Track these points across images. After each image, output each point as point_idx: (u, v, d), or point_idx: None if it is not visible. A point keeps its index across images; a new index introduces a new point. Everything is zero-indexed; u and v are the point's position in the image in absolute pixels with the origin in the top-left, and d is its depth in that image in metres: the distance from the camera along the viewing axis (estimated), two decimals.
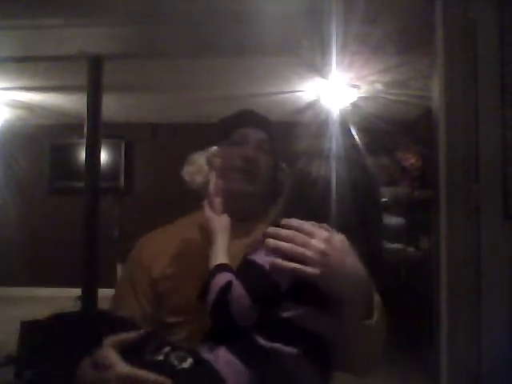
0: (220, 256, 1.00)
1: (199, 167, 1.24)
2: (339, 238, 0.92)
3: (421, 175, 4.22)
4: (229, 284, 0.90)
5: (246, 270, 0.92)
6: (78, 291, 3.13)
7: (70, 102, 4.86)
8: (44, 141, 5.97)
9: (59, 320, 1.48)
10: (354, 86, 4.35)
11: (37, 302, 4.75)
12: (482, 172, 1.81)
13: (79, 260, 3.12)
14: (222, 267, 0.96)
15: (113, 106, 4.47)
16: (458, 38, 1.88)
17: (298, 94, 4.64)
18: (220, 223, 1.08)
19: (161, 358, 0.92)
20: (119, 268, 5.81)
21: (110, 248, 5.22)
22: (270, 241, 0.90)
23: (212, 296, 0.91)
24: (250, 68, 3.91)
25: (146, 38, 3.06)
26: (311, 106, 4.79)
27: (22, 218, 5.68)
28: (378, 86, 4.32)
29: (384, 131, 4.44)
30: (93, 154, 3.22)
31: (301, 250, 0.88)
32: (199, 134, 6.32)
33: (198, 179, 1.22)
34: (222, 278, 0.92)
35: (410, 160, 4.28)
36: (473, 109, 1.83)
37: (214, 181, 1.15)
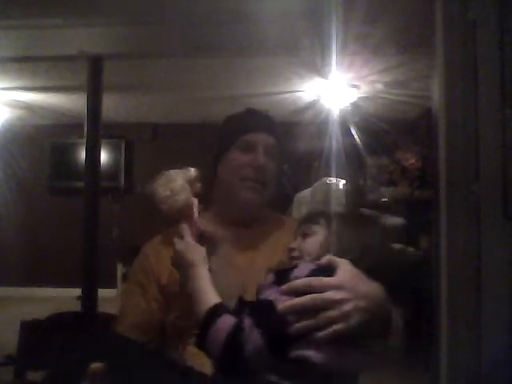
0: (209, 294, 0.94)
1: (181, 186, 1.15)
2: (346, 269, 0.89)
3: (421, 175, 4.22)
4: (237, 328, 0.84)
5: (260, 310, 0.86)
6: (78, 291, 3.13)
7: (70, 102, 4.86)
8: (44, 141, 5.97)
9: (59, 320, 1.48)
10: (354, 86, 4.35)
11: (37, 302, 4.75)
12: (482, 172, 1.81)
13: (79, 260, 3.12)
14: (219, 309, 0.90)
15: (113, 106, 4.47)
16: (458, 38, 1.87)
17: (298, 94, 4.64)
18: (198, 254, 1.03)
19: None
20: (119, 268, 5.81)
21: (110, 248, 5.22)
22: (298, 326, 0.84)
23: (218, 343, 0.84)
24: (250, 68, 3.91)
25: (146, 38, 3.05)
26: (311, 105, 4.79)
27: (21, 217, 5.68)
28: (378, 86, 4.32)
29: (384, 131, 4.44)
30: (93, 154, 3.22)
31: (326, 316, 0.84)
32: (199, 134, 6.34)
33: (180, 198, 1.13)
34: (226, 323, 0.86)
35: (410, 160, 4.28)
36: (473, 109, 1.83)
37: (197, 206, 1.11)
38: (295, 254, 1.01)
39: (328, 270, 0.89)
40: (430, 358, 2.06)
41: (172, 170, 1.18)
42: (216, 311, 0.89)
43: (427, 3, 2.05)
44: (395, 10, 2.54)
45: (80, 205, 3.17)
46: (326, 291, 0.85)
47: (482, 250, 1.79)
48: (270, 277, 0.96)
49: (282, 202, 3.97)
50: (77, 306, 3.04)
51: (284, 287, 0.87)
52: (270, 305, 0.86)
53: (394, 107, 4.88)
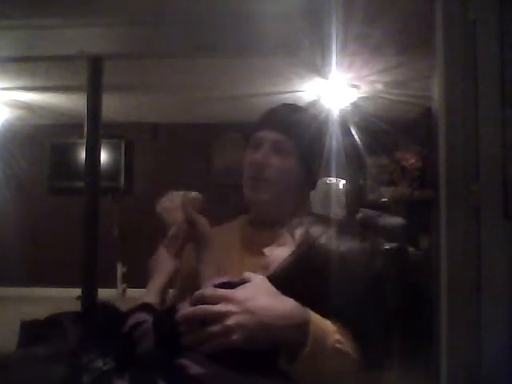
0: (150, 293, 1.03)
1: (175, 207, 1.18)
2: (253, 284, 0.85)
3: (421, 175, 4.22)
4: (135, 325, 0.92)
5: (164, 317, 0.93)
6: (78, 291, 3.12)
7: (70, 102, 4.86)
8: (44, 141, 5.97)
9: (59, 320, 1.48)
10: (354, 86, 4.35)
11: (37, 302, 4.75)
12: (482, 172, 1.81)
13: (79, 260, 3.12)
14: (143, 306, 0.97)
15: (113, 106, 4.47)
16: (458, 38, 1.87)
17: (298, 94, 4.64)
18: (166, 264, 1.08)
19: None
20: (119, 268, 5.81)
21: (110, 248, 5.22)
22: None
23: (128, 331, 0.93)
24: (250, 68, 3.91)
25: (146, 37, 3.06)
26: (311, 106, 4.78)
27: (21, 217, 5.68)
28: (378, 86, 4.32)
29: (384, 131, 4.44)
30: (93, 154, 3.22)
31: (208, 328, 0.81)
32: (199, 134, 6.33)
33: (170, 217, 1.18)
34: (134, 318, 0.94)
35: (410, 160, 4.28)
36: (473, 109, 1.83)
37: (180, 227, 1.13)
38: (262, 263, 0.96)
39: (240, 285, 0.86)
40: (430, 358, 2.06)
41: (175, 191, 1.24)
42: (138, 308, 0.96)
43: (427, 3, 2.05)
44: (395, 10, 2.54)
45: (80, 205, 3.17)
46: (218, 303, 0.82)
47: (482, 250, 1.79)
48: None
49: None
50: (77, 306, 3.04)
51: (192, 297, 0.87)
52: (172, 311, 0.89)
53: (393, 107, 4.88)
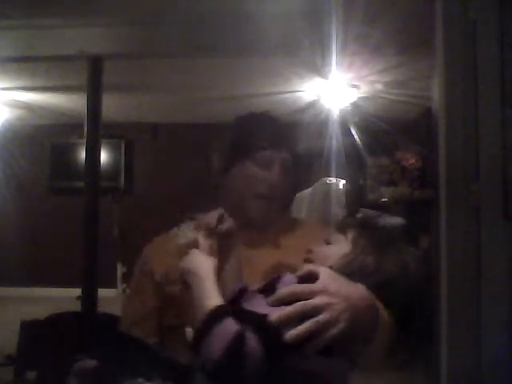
0: (212, 295, 0.90)
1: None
2: (326, 275, 0.88)
3: (421, 175, 4.22)
4: (239, 337, 0.80)
5: (254, 320, 0.84)
6: (78, 291, 3.13)
7: (70, 102, 4.86)
8: (44, 141, 5.97)
9: (59, 320, 1.48)
10: (354, 86, 4.35)
11: (37, 302, 4.75)
12: (482, 172, 1.81)
13: (79, 260, 3.12)
14: (219, 311, 0.86)
15: (113, 106, 4.47)
16: (458, 38, 1.87)
17: (298, 94, 4.64)
18: (207, 261, 0.99)
19: None
20: (119, 268, 5.82)
21: (110, 248, 5.23)
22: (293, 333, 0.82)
23: (217, 352, 0.80)
24: (250, 68, 3.91)
25: (146, 38, 3.06)
26: (311, 105, 4.79)
27: (21, 217, 5.68)
28: (378, 86, 4.32)
29: (384, 131, 4.44)
30: (93, 154, 3.22)
31: (316, 321, 0.82)
32: (199, 134, 6.33)
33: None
34: (226, 329, 0.82)
35: (410, 160, 4.27)
36: (473, 109, 1.83)
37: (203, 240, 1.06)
38: (310, 257, 1.01)
39: (310, 280, 0.88)
40: (430, 358, 2.06)
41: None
42: (219, 313, 0.85)
43: (427, 3, 2.05)
44: (395, 10, 2.54)
45: (80, 205, 3.17)
46: (312, 298, 0.84)
47: (482, 250, 1.79)
48: (256, 286, 0.95)
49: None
50: (77, 306, 3.04)
51: (271, 299, 0.86)
52: (261, 317, 0.84)
53: (393, 107, 4.88)
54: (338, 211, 4.23)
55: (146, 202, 5.93)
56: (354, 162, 4.50)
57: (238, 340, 0.80)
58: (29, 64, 3.62)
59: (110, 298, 4.44)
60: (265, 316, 0.83)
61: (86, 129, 3.19)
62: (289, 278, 0.91)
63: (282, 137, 1.22)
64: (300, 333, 0.81)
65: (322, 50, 2.80)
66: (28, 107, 5.14)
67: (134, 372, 0.89)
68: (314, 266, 0.92)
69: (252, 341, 0.80)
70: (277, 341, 0.81)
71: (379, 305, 0.92)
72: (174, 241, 1.22)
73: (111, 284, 5.48)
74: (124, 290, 5.76)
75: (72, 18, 2.94)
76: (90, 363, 0.95)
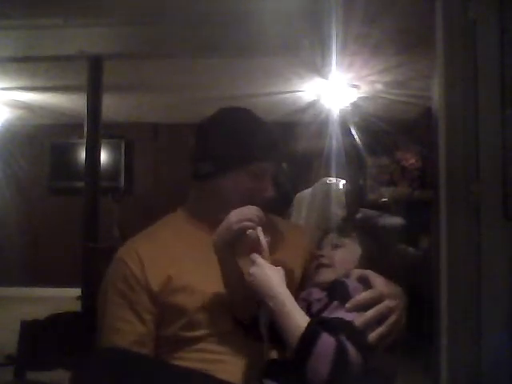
0: (296, 313, 0.89)
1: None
2: (377, 278, 0.99)
3: (421, 175, 4.22)
4: (341, 349, 0.83)
5: (345, 328, 0.88)
6: (78, 291, 3.13)
7: (70, 102, 4.86)
8: (44, 141, 5.96)
9: (59, 320, 1.48)
10: (354, 86, 4.35)
11: (37, 302, 4.75)
12: (482, 172, 1.81)
13: (79, 260, 3.12)
14: (314, 329, 0.86)
15: (113, 106, 4.47)
16: (458, 38, 1.87)
17: (298, 94, 4.64)
18: (277, 274, 0.95)
19: None
20: None
21: (110, 248, 5.22)
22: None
23: (322, 370, 0.81)
24: (250, 68, 3.91)
25: (146, 38, 3.06)
26: (311, 105, 4.79)
27: (21, 218, 5.68)
28: (378, 86, 4.32)
29: (384, 131, 4.44)
30: (93, 154, 3.22)
31: (390, 322, 0.94)
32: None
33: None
34: (326, 345, 0.83)
35: (410, 160, 4.28)
36: (473, 109, 1.83)
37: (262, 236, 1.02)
38: (325, 261, 1.05)
39: (365, 282, 0.98)
40: (430, 358, 2.06)
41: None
42: (311, 333, 0.85)
43: (427, 3, 2.05)
44: (395, 10, 2.54)
45: (80, 205, 3.17)
46: (383, 301, 0.95)
47: (482, 250, 1.79)
48: (316, 291, 1.01)
49: (282, 202, 3.96)
50: (77, 306, 3.04)
51: (351, 305, 0.93)
52: (350, 324, 0.90)
53: (393, 107, 4.88)
54: (337, 211, 4.22)
55: (146, 202, 5.92)
56: (354, 162, 4.49)
57: (341, 353, 0.83)
58: (29, 64, 3.62)
59: None
60: (352, 323, 0.90)
61: (85, 129, 3.19)
62: (354, 284, 0.99)
63: (275, 147, 1.19)
64: (380, 334, 0.92)
65: (322, 50, 2.80)
66: (28, 107, 5.13)
67: None
68: (360, 270, 1.01)
69: (351, 349, 0.84)
70: (365, 345, 0.88)
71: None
72: (163, 239, 1.19)
73: None
74: None
75: (72, 18, 2.94)
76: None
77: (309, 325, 0.86)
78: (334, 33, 2.54)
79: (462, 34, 1.86)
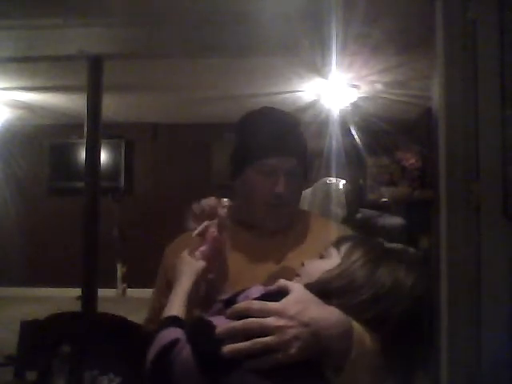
0: (175, 305, 0.92)
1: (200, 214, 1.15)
2: (295, 294, 0.84)
3: (421, 175, 4.22)
4: (173, 342, 0.81)
5: (199, 331, 0.83)
6: (78, 291, 3.13)
7: (70, 102, 4.86)
8: (44, 141, 5.97)
9: (59, 320, 1.48)
10: (354, 86, 4.35)
11: (37, 302, 4.75)
12: (482, 172, 1.81)
13: (79, 260, 3.12)
14: (171, 320, 0.88)
15: (113, 106, 4.47)
16: (458, 38, 1.87)
17: (298, 94, 4.64)
18: (191, 266, 1.01)
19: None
20: (119, 268, 5.82)
21: (110, 248, 5.22)
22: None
23: (152, 354, 0.82)
24: (250, 68, 3.91)
25: (146, 38, 3.06)
26: (311, 105, 4.79)
27: (21, 218, 5.68)
28: (378, 86, 4.32)
29: (384, 131, 4.44)
30: (93, 154, 3.22)
31: (261, 342, 0.79)
32: (199, 134, 6.32)
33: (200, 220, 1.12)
34: (167, 335, 0.83)
35: (410, 160, 4.28)
36: (473, 109, 1.83)
37: (212, 230, 1.08)
38: (299, 271, 0.97)
39: (278, 295, 0.84)
40: (430, 358, 2.06)
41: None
42: (168, 322, 0.88)
43: (427, 3, 2.05)
44: (395, 11, 2.54)
45: (80, 205, 3.17)
46: (267, 317, 0.80)
47: (482, 250, 1.79)
48: (224, 296, 0.95)
49: None
50: (77, 306, 3.04)
51: (229, 311, 0.84)
52: (208, 325, 0.83)
53: (393, 107, 4.88)
54: (338, 211, 4.23)
55: (146, 202, 5.93)
56: (353, 162, 4.50)
57: (171, 345, 0.81)
58: (29, 64, 3.62)
59: (110, 298, 4.44)
60: (212, 326, 0.82)
61: (85, 129, 3.19)
62: (255, 290, 0.88)
63: (286, 145, 1.19)
64: (236, 349, 0.78)
65: (322, 50, 2.80)
66: (28, 107, 5.13)
67: (100, 363, 0.90)
68: (287, 282, 0.87)
69: (185, 349, 0.80)
70: (214, 352, 0.79)
71: (359, 330, 0.84)
72: (190, 238, 1.23)
73: (111, 284, 5.47)
74: (124, 290, 5.77)
75: (72, 18, 2.94)
76: (67, 348, 0.95)
77: (170, 315, 0.90)
78: (334, 33, 2.54)
79: (462, 34, 1.86)
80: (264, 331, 0.79)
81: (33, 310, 2.06)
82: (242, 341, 0.79)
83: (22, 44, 3.07)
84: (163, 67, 3.92)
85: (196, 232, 1.08)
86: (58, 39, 3.05)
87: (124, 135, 5.94)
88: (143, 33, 3.04)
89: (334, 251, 0.96)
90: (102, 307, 2.92)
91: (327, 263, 0.94)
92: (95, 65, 3.14)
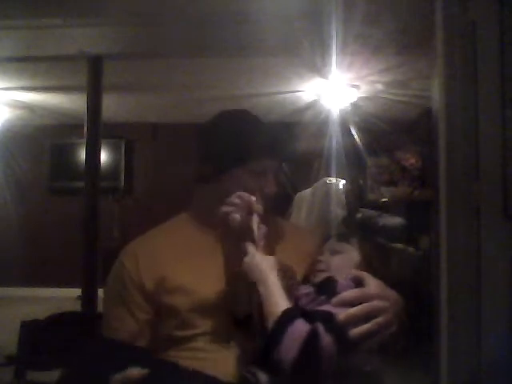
0: (280, 299, 0.92)
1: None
2: (373, 280, 0.98)
3: (421, 175, 4.22)
4: (313, 334, 0.84)
5: (325, 319, 0.88)
6: (78, 291, 3.13)
7: (70, 102, 4.86)
8: (44, 141, 5.97)
9: (59, 320, 1.48)
10: (354, 86, 4.35)
11: (37, 302, 4.75)
12: (482, 172, 1.81)
13: (79, 260, 3.12)
14: (290, 314, 0.88)
15: (113, 106, 4.47)
16: (458, 38, 1.87)
17: (298, 93, 4.64)
18: (268, 261, 0.99)
19: None
20: None
21: (110, 248, 5.22)
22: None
23: (292, 350, 0.83)
24: (250, 68, 3.91)
25: (146, 37, 3.06)
26: (311, 105, 4.79)
27: (21, 218, 5.68)
28: (378, 86, 4.32)
29: (384, 131, 4.44)
30: (93, 154, 3.22)
31: (377, 322, 0.92)
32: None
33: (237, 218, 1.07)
34: (299, 328, 0.85)
35: (410, 160, 4.28)
36: (473, 109, 1.83)
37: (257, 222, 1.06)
38: (322, 267, 1.05)
39: (359, 283, 0.97)
40: (430, 358, 2.06)
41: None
42: (289, 316, 0.88)
43: (427, 3, 2.05)
44: (395, 10, 2.54)
45: (80, 205, 3.17)
46: (372, 301, 0.94)
47: (482, 250, 1.79)
48: (305, 288, 1.01)
49: (282, 202, 3.96)
50: (77, 306, 3.04)
51: (337, 300, 0.94)
52: (331, 315, 0.90)
53: (394, 107, 4.88)
54: (338, 211, 4.23)
55: (146, 202, 5.92)
56: (354, 162, 4.50)
57: (313, 337, 0.84)
58: (29, 64, 3.62)
59: None
60: (333, 315, 0.90)
61: (85, 129, 3.19)
62: (345, 282, 0.98)
63: (277, 145, 1.18)
64: (364, 331, 0.90)
65: (322, 50, 2.80)
66: (28, 107, 5.13)
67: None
68: (357, 271, 1.00)
69: (326, 337, 0.85)
70: (344, 338, 0.87)
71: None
72: (162, 241, 1.20)
73: None
74: None
75: (72, 18, 2.94)
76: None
77: (286, 309, 0.89)
78: (334, 33, 2.54)
79: (462, 33, 1.86)
80: (377, 313, 0.93)
81: (33, 310, 2.06)
82: (357, 325, 0.90)
83: (21, 44, 3.07)
84: (163, 67, 3.92)
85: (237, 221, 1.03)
86: (58, 39, 3.06)
87: (124, 135, 5.94)
88: (143, 33, 3.04)
89: (346, 246, 1.07)
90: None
91: (347, 258, 1.05)
92: (95, 65, 3.15)
